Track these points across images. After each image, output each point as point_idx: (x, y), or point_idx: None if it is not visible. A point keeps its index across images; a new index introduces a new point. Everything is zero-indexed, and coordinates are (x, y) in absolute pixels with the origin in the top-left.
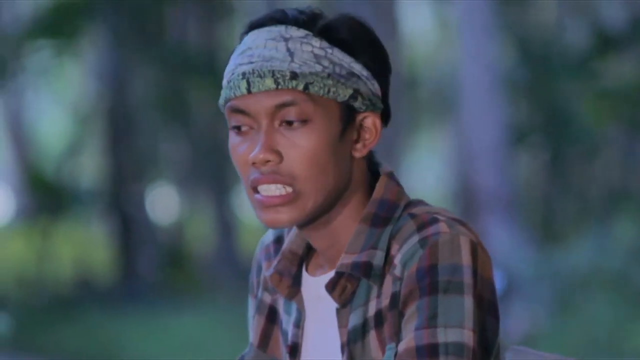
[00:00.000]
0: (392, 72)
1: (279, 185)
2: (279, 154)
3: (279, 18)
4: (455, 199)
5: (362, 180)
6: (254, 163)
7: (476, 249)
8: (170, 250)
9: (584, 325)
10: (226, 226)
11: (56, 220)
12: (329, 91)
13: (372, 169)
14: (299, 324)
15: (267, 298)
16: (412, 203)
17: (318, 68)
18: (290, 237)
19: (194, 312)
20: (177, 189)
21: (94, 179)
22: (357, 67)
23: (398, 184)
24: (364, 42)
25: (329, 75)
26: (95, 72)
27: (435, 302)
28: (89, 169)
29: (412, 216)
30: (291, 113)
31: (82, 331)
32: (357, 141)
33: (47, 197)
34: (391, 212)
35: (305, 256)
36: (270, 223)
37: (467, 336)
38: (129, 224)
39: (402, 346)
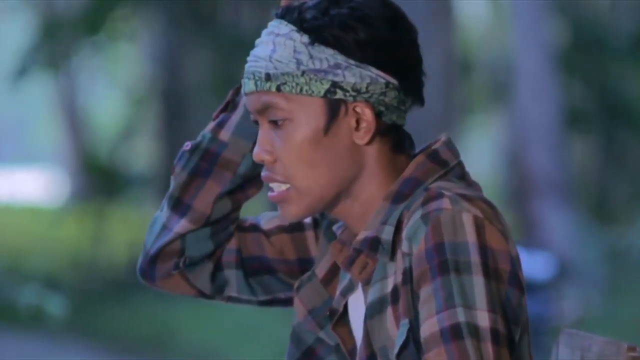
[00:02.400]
0: (440, 55)
1: (277, 184)
2: (272, 154)
3: (279, 12)
4: (508, 183)
5: (381, 163)
6: (257, 161)
7: (480, 224)
8: None
9: (637, 307)
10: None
11: (110, 203)
12: (301, 90)
13: (402, 149)
14: (345, 293)
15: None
16: (441, 179)
17: (292, 66)
18: None
19: None
20: None
21: (148, 162)
22: (341, 58)
23: (438, 162)
24: (354, 33)
25: (303, 72)
26: (150, 54)
27: (449, 282)
28: (143, 151)
29: (426, 189)
30: (272, 113)
31: (135, 314)
32: (357, 129)
33: (101, 180)
34: (414, 189)
35: None
36: (282, 218)
37: (481, 317)
38: None
39: (425, 331)
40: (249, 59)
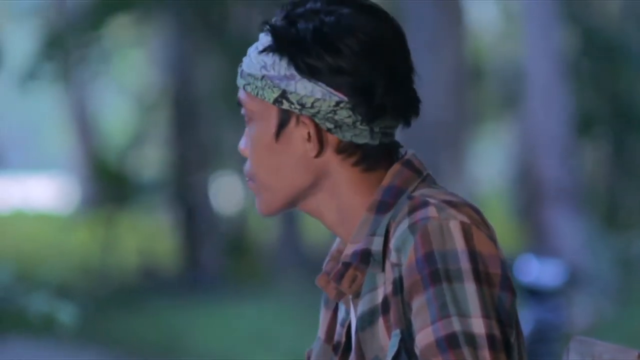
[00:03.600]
0: (450, 63)
1: (251, 181)
2: (245, 150)
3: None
4: (519, 190)
5: (349, 178)
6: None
7: (468, 230)
8: (234, 239)
9: None
10: (289, 215)
11: (121, 210)
12: (257, 93)
13: (372, 167)
14: (343, 323)
15: None
16: (421, 187)
17: (257, 69)
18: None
19: (257, 302)
20: (241, 179)
21: (158, 169)
22: (291, 70)
23: (414, 170)
24: (308, 53)
25: (263, 76)
26: (160, 61)
27: (442, 292)
28: (153, 158)
29: (410, 198)
30: (243, 110)
31: (146, 320)
32: (309, 140)
33: (111, 187)
34: (396, 198)
35: None
36: (258, 211)
37: (476, 324)
38: (192, 213)
39: (422, 342)
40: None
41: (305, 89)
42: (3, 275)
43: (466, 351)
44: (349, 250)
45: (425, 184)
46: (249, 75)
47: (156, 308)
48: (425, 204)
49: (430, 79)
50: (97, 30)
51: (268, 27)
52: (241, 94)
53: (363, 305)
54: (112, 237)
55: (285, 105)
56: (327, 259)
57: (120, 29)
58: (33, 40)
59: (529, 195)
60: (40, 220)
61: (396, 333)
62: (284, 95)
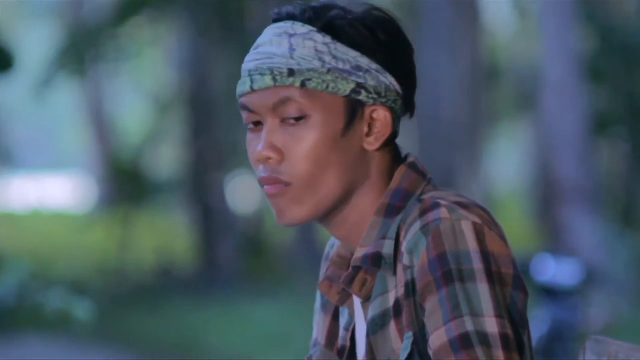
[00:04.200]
0: (466, 62)
1: (280, 186)
2: (280, 152)
3: (288, 14)
4: (535, 189)
5: (382, 173)
6: (258, 160)
7: (480, 230)
8: (250, 239)
9: None
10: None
11: (137, 209)
12: (327, 86)
13: (399, 160)
14: (348, 328)
15: None
16: (428, 190)
17: (317, 64)
18: (338, 241)
19: (274, 301)
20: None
21: (175, 168)
22: (364, 61)
23: (419, 173)
24: (373, 36)
25: (329, 70)
26: (176, 61)
27: (455, 292)
28: (170, 158)
29: (420, 201)
30: (289, 110)
31: (162, 320)
32: (369, 134)
33: (128, 186)
34: (405, 201)
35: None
36: (278, 219)
37: (490, 324)
38: (209, 213)
39: (435, 343)
40: (254, 57)
41: (373, 79)
42: (20, 273)
43: (479, 351)
44: (359, 254)
45: (432, 187)
46: (308, 70)
47: (172, 307)
48: (436, 206)
49: (446, 78)
50: (114, 30)
51: (312, 22)
52: (287, 94)
53: (374, 309)
54: (129, 236)
55: (362, 96)
56: (327, 264)
57: (137, 29)
58: (50, 41)
59: (545, 194)
60: (57, 219)
61: (409, 336)
62: (360, 86)
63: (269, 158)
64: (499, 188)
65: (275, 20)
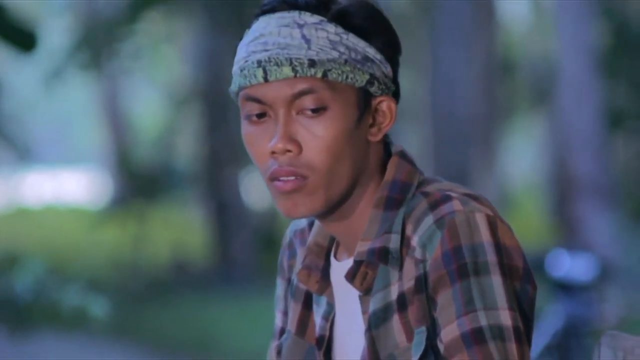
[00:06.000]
0: (482, 57)
1: (297, 181)
2: (297, 144)
3: (291, 3)
4: (550, 184)
5: (377, 164)
6: (273, 152)
7: (493, 222)
8: (265, 234)
9: None
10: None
11: (152, 205)
12: (346, 77)
13: (387, 150)
14: (327, 317)
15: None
16: (425, 181)
17: (335, 54)
18: (315, 229)
19: None
20: None
21: (190, 163)
22: (371, 52)
23: (410, 162)
24: (377, 26)
25: (345, 61)
26: (191, 56)
27: (469, 286)
28: (185, 153)
29: (425, 194)
30: (309, 101)
31: (177, 314)
32: (372, 125)
33: (142, 181)
34: (404, 193)
35: (331, 245)
36: (288, 213)
37: (504, 316)
38: (223, 208)
39: (447, 336)
40: (262, 47)
41: (380, 69)
42: (36, 269)
43: (492, 345)
44: (363, 248)
45: (424, 177)
46: (329, 61)
47: (187, 302)
48: (448, 198)
49: (461, 74)
50: (130, 25)
51: (321, 12)
52: (308, 85)
53: (375, 302)
54: (144, 232)
55: (374, 87)
56: (305, 253)
57: (153, 24)
58: (66, 36)
59: (560, 189)
60: (72, 214)
61: (421, 330)
62: (373, 77)
63: (288, 151)
64: (514, 183)
65: (272, 10)
